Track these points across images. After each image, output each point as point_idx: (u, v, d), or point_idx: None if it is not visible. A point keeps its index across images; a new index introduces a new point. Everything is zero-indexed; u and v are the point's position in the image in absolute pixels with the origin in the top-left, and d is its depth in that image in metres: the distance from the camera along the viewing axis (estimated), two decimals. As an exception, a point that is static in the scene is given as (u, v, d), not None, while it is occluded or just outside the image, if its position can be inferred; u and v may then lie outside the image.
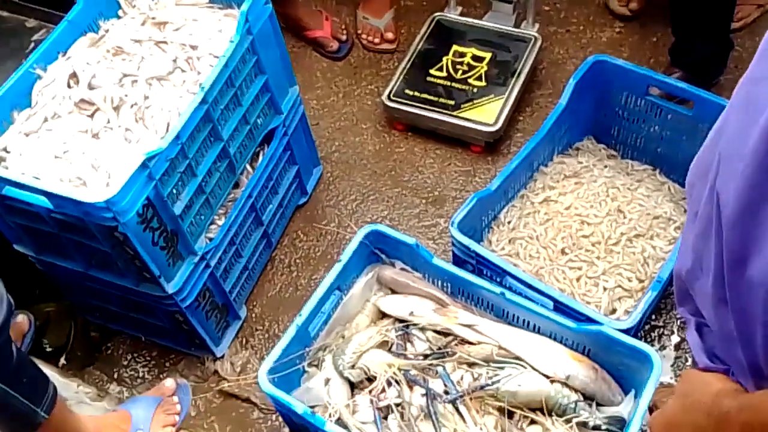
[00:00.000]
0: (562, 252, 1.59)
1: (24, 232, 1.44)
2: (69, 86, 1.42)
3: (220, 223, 1.55)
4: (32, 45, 1.73)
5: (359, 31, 2.26)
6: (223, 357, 1.68)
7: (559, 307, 1.39)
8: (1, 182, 1.27)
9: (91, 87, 1.41)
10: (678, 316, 1.63)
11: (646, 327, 1.63)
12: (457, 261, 1.53)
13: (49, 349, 1.71)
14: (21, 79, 1.42)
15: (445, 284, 1.48)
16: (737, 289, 0.59)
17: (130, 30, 1.51)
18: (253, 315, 1.76)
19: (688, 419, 0.65)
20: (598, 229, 1.59)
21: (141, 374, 1.70)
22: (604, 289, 1.52)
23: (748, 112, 0.56)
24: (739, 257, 0.57)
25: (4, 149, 1.36)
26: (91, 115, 1.39)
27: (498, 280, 1.47)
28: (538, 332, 1.39)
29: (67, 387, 1.60)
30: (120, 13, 1.57)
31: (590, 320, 1.35)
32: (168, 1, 1.57)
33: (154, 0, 1.58)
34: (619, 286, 1.53)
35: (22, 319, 1.64)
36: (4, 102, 1.39)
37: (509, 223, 1.66)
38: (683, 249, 0.70)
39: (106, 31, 1.52)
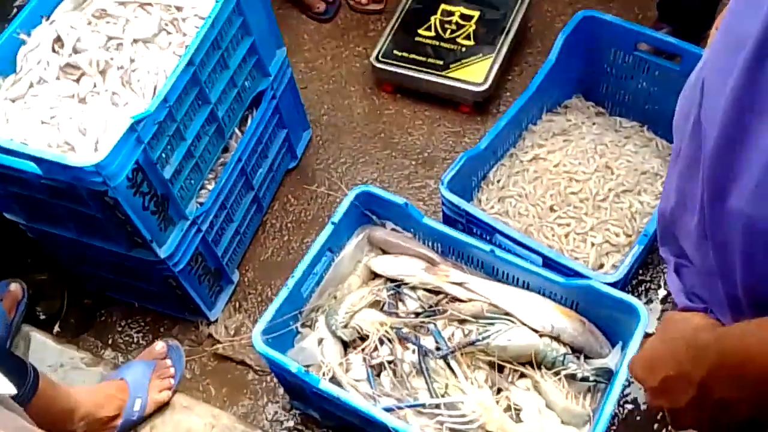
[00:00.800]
0: (551, 209, 1.60)
1: (14, 200, 1.44)
2: (54, 51, 1.41)
3: (211, 187, 1.55)
4: (15, 11, 1.71)
5: (346, -8, 2.23)
6: (216, 321, 1.70)
7: (548, 263, 1.41)
8: (-12, 149, 1.26)
9: (76, 51, 1.40)
10: (664, 270, 1.65)
11: (634, 282, 1.65)
12: (447, 220, 1.54)
13: (42, 317, 1.72)
14: (5, 44, 1.41)
15: (435, 244, 1.49)
16: (718, 222, 0.60)
17: (113, -8, 1.48)
18: (246, 279, 1.78)
19: (667, 354, 0.67)
20: (587, 185, 1.60)
21: (135, 340, 1.72)
22: (592, 244, 1.54)
23: (728, 48, 0.57)
24: (718, 190, 0.59)
25: (-10, 116, 1.35)
26: (77, 80, 1.38)
27: (488, 238, 1.48)
28: (528, 288, 1.41)
29: (61, 353, 1.62)
30: (102, -25, 1.55)
31: (578, 275, 1.37)
32: (150, -38, 1.55)
33: (137, -39, 1.56)
34: (607, 241, 1.55)
35: (15, 287, 1.65)
36: (-12, 68, 1.38)
37: (498, 181, 1.67)
38: (667, 189, 0.72)
39: (89, -7, 1.50)
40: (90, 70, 1.37)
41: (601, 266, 1.54)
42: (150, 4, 1.47)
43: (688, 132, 0.63)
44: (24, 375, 1.21)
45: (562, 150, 1.68)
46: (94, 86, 1.37)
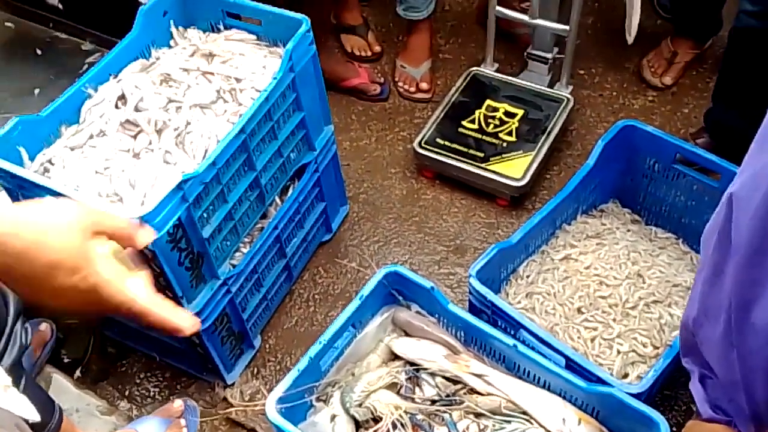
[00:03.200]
0: (579, 311, 1.59)
1: (57, 242, 1.49)
2: (117, 107, 1.49)
3: (245, 251, 1.58)
4: (86, 66, 1.83)
5: (396, 79, 2.33)
6: (233, 384, 1.70)
7: (571, 366, 1.39)
8: (42, 191, 1.32)
9: (137, 109, 1.48)
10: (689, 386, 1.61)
11: (658, 397, 1.61)
12: (473, 310, 1.54)
13: (66, 360, 1.74)
14: (73, 96, 1.49)
15: (458, 332, 1.49)
16: (743, 334, 0.60)
17: (180, 59, 1.58)
18: (267, 346, 1.78)
19: None
20: (617, 291, 1.59)
21: (152, 394, 1.72)
22: (618, 352, 1.52)
23: (759, 163, 0.59)
24: (745, 301, 0.59)
25: (49, 161, 1.42)
26: (135, 136, 1.45)
27: (512, 332, 1.47)
28: (548, 389, 1.39)
29: (79, 398, 1.62)
30: (172, 42, 1.65)
31: (601, 381, 1.35)
32: (218, 35, 1.65)
33: (206, 33, 1.66)
34: (634, 350, 1.52)
35: (44, 327, 1.68)
36: (54, 117, 1.46)
37: (528, 277, 1.67)
38: (691, 299, 0.72)
39: (157, 58, 1.60)
40: (148, 128, 1.45)
41: (626, 376, 1.51)
42: (212, 74, 1.55)
43: (713, 242, 0.64)
44: (51, 413, 1.22)
45: (594, 253, 1.68)
46: (150, 144, 1.44)
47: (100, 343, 1.78)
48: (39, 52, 1.90)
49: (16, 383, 1.10)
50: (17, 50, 1.91)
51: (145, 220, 1.23)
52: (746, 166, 0.64)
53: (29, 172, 1.36)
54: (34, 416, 0.89)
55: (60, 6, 2.28)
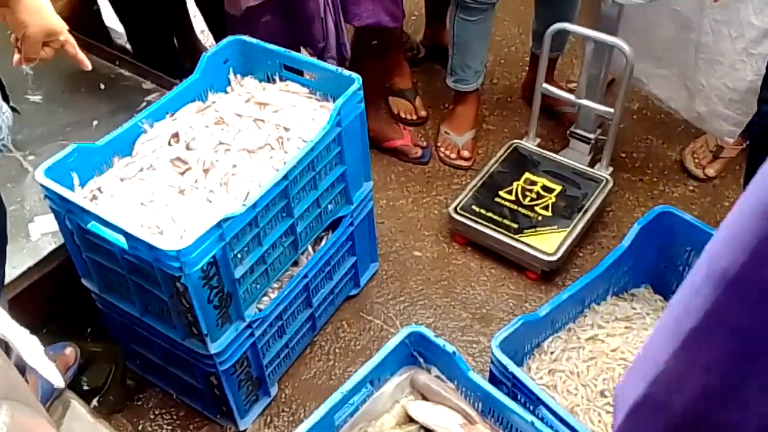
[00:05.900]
0: (602, 394, 1.55)
1: (94, 269, 1.53)
2: (169, 144, 1.55)
3: (273, 296, 1.60)
4: (144, 103, 1.91)
5: (439, 144, 2.37)
6: (245, 431, 1.69)
7: (590, 449, 1.35)
8: (87, 216, 1.37)
9: (188, 148, 1.53)
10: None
11: (679, 492, 1.55)
12: (494, 380, 1.51)
13: (86, 388, 1.76)
14: (129, 130, 1.56)
15: (477, 401, 1.46)
16: None
17: (235, 105, 1.65)
18: (283, 395, 1.77)
19: None
20: (642, 377, 1.56)
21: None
22: (640, 440, 1.47)
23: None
24: None
25: (99, 189, 1.48)
26: (182, 173, 1.51)
27: (531, 408, 1.44)
28: (564, 470, 1.35)
29: (93, 428, 1.62)
30: (228, 89, 1.73)
31: (620, 469, 1.30)
32: (273, 86, 1.72)
33: (262, 83, 1.73)
34: (656, 441, 1.48)
35: (69, 352, 1.71)
36: (109, 147, 1.53)
37: (552, 353, 1.65)
38: None
39: (213, 102, 1.67)
40: (196, 167, 1.50)
41: (646, 466, 1.46)
42: (263, 121, 1.61)
43: None
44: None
45: (622, 336, 1.66)
46: (196, 182, 1.49)
47: (121, 375, 1.79)
48: (102, 86, 1.99)
49: None
50: (82, 83, 2.01)
51: (182, 253, 1.27)
52: None
53: (78, 197, 1.41)
54: (59, 382, 0.88)
55: (128, 47, 2.41)
